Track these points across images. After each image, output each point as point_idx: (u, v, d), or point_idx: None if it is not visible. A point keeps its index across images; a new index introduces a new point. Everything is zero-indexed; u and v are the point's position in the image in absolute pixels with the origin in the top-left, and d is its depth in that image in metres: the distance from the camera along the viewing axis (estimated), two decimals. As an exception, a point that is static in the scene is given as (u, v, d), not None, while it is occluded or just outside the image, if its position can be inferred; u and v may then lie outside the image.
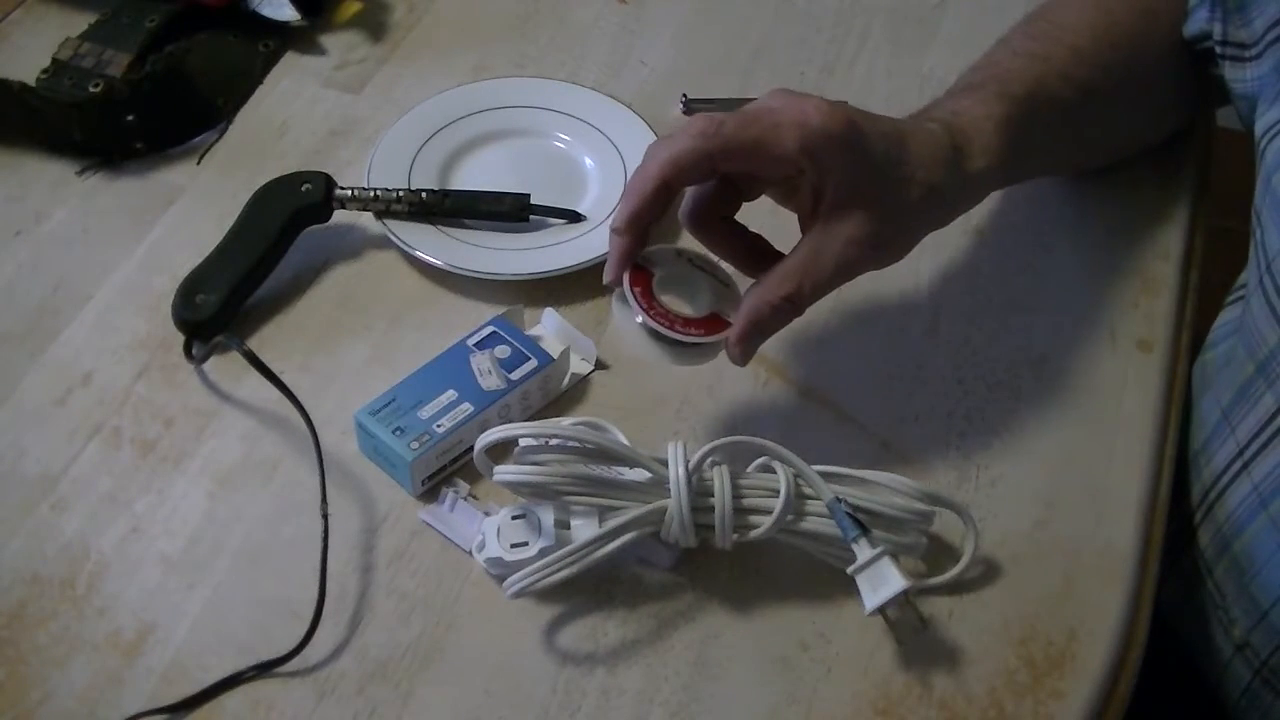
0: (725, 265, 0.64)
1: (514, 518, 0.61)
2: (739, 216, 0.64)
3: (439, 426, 0.64)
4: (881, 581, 0.58)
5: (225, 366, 0.70)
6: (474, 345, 0.68)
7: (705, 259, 0.64)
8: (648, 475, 0.59)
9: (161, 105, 0.81)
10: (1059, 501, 0.65)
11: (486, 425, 0.63)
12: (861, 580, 0.58)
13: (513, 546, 0.60)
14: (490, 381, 0.66)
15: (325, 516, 0.61)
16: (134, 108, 0.80)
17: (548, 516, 0.60)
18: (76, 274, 0.75)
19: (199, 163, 0.82)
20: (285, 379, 0.65)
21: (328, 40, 0.90)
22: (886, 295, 0.74)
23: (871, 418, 0.68)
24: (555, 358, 0.67)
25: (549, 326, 0.71)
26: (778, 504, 0.58)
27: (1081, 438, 0.68)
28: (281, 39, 0.89)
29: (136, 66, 0.83)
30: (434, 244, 0.75)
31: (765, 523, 0.59)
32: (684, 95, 0.85)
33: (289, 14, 0.87)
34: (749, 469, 0.61)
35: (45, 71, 0.83)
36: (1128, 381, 0.70)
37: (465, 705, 0.58)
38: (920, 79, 0.87)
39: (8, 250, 0.76)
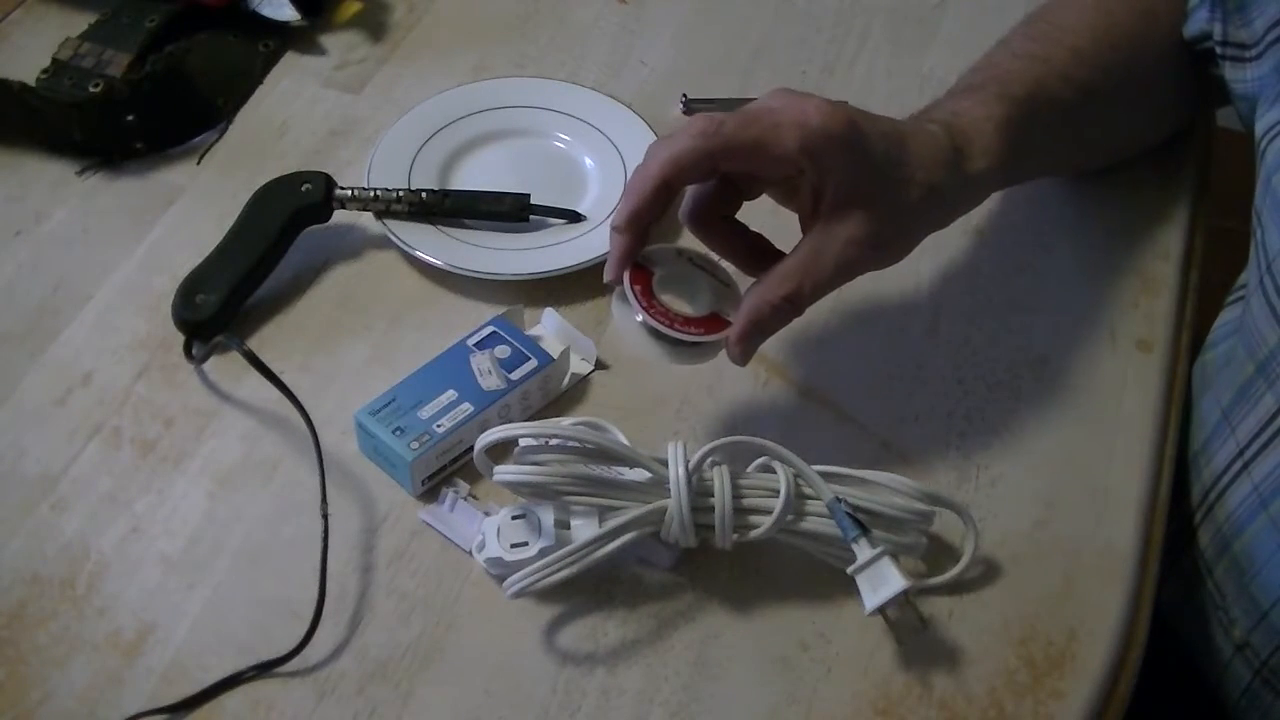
0: (725, 264, 0.64)
1: (514, 518, 0.61)
2: (739, 215, 0.64)
3: (439, 426, 0.64)
4: (881, 581, 0.58)
5: (225, 366, 0.70)
6: (474, 345, 0.68)
7: (706, 258, 0.64)
8: (648, 475, 0.59)
9: (161, 105, 0.81)
10: (1059, 501, 0.65)
11: (486, 425, 0.63)
12: (861, 580, 0.58)
13: (513, 546, 0.60)
14: (490, 381, 0.66)
15: (325, 516, 0.61)
16: (134, 108, 0.80)
17: (548, 516, 0.60)
18: (76, 274, 0.75)
19: (199, 163, 0.82)
20: (285, 379, 0.65)
21: (328, 40, 0.90)
22: (886, 295, 0.74)
23: (871, 418, 0.68)
24: (555, 358, 0.67)
25: (549, 326, 0.71)
26: (778, 504, 0.58)
27: (1081, 438, 0.68)
28: (281, 39, 0.89)
29: (136, 66, 0.83)
30: (434, 244, 0.75)
31: (765, 523, 0.59)
32: (684, 95, 0.85)
33: (289, 14, 0.87)
34: (749, 469, 0.61)
35: (45, 71, 0.83)
36: (1128, 381, 0.70)
37: (465, 705, 0.58)
38: (920, 79, 0.87)
39: (8, 250, 0.76)
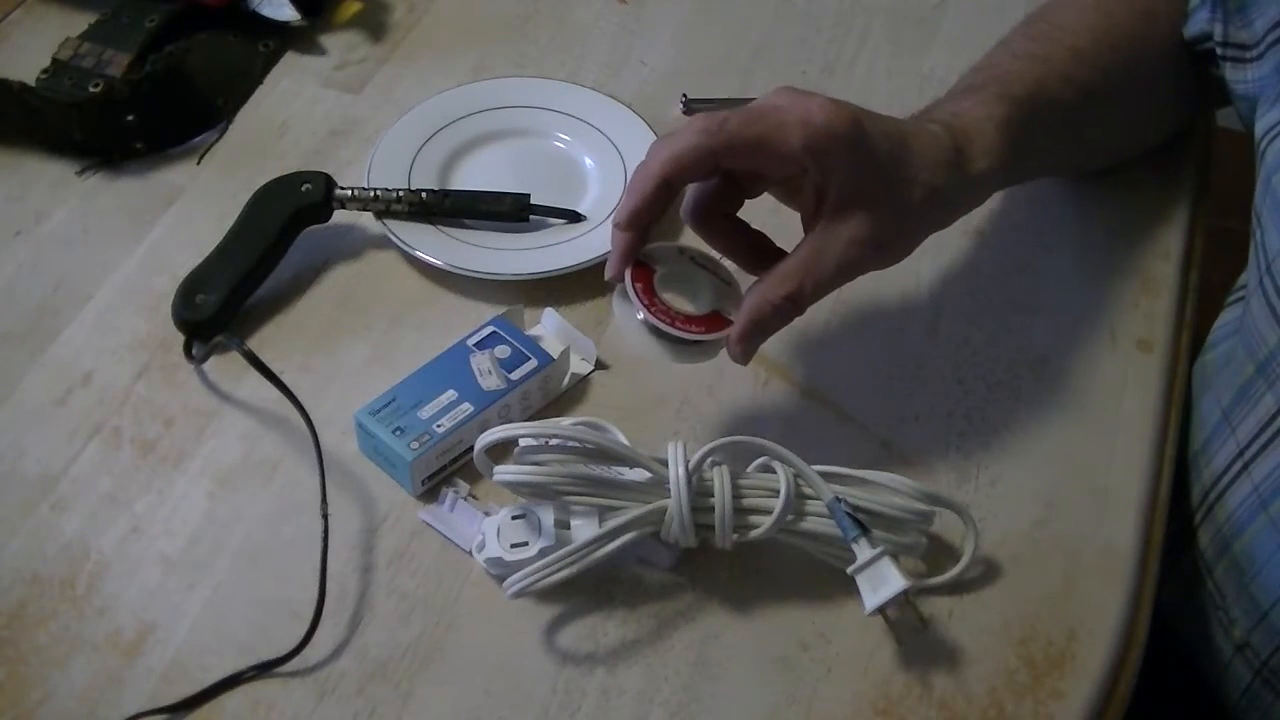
0: (727, 263, 0.64)
1: (514, 518, 0.61)
2: (741, 214, 0.64)
3: (439, 426, 0.64)
4: (881, 581, 0.58)
5: (225, 366, 0.70)
6: (474, 345, 0.68)
7: (707, 257, 0.64)
8: (648, 475, 0.59)
9: (161, 105, 0.81)
10: (1059, 501, 0.65)
11: (486, 425, 0.63)
12: (861, 580, 0.58)
13: (513, 546, 0.60)
14: (490, 381, 0.66)
15: (325, 516, 0.61)
16: (134, 108, 0.80)
17: (548, 516, 0.60)
18: (76, 274, 0.75)
19: (199, 163, 0.82)
20: (285, 379, 0.65)
21: (328, 40, 0.90)
22: (887, 295, 0.74)
23: (871, 418, 0.68)
24: (555, 358, 0.67)
25: (549, 326, 0.71)
26: (778, 504, 0.58)
27: (1081, 438, 0.68)
28: (281, 39, 0.89)
29: (136, 66, 0.83)
30: (434, 244, 0.75)
31: (765, 523, 0.59)
32: (684, 95, 0.85)
33: (289, 14, 0.87)
34: (749, 469, 0.61)
35: (45, 71, 0.83)
36: (1128, 381, 0.70)
37: (465, 705, 0.58)
38: (920, 79, 0.87)
39: (8, 250, 0.76)
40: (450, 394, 0.65)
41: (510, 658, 0.60)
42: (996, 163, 0.64)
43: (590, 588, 0.61)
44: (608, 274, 0.62)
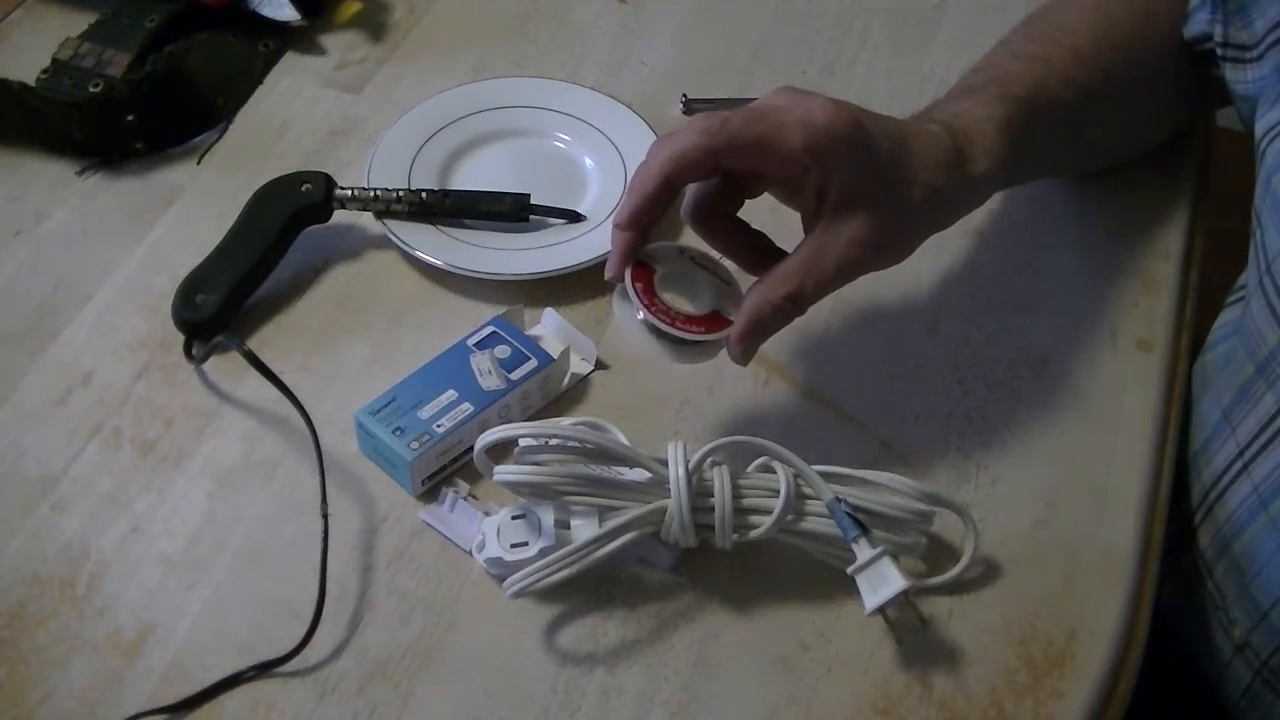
0: (727, 263, 0.64)
1: (514, 518, 0.61)
2: (741, 214, 0.64)
3: (439, 426, 0.64)
4: (881, 581, 0.58)
5: (225, 366, 0.70)
6: (474, 345, 0.68)
7: (707, 257, 0.64)
8: (648, 475, 0.59)
9: (161, 105, 0.81)
10: (1059, 501, 0.65)
11: (486, 425, 0.63)
12: (861, 580, 0.58)
13: (513, 546, 0.60)
14: (490, 381, 0.66)
15: (325, 516, 0.61)
16: (134, 108, 0.80)
17: (548, 516, 0.60)
18: (76, 274, 0.75)
19: (199, 163, 0.82)
20: (285, 379, 0.65)
21: (328, 40, 0.90)
22: (887, 295, 0.74)
23: (871, 418, 0.68)
24: (555, 358, 0.67)
25: (549, 326, 0.71)
26: (778, 504, 0.58)
27: (1081, 438, 0.68)
28: (281, 39, 0.89)
29: (136, 66, 0.83)
30: (434, 244, 0.75)
31: (765, 523, 0.59)
32: (684, 95, 0.85)
33: (289, 14, 0.87)
34: (749, 469, 0.61)
35: (45, 71, 0.83)
36: (1128, 381, 0.70)
37: (465, 705, 0.58)
38: (920, 79, 0.87)
39: (8, 250, 0.76)
40: (450, 394, 0.65)
41: (510, 658, 0.60)
42: (997, 163, 0.64)
43: (590, 588, 0.61)
44: (608, 274, 0.62)
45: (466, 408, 0.65)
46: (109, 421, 0.68)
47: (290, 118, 0.85)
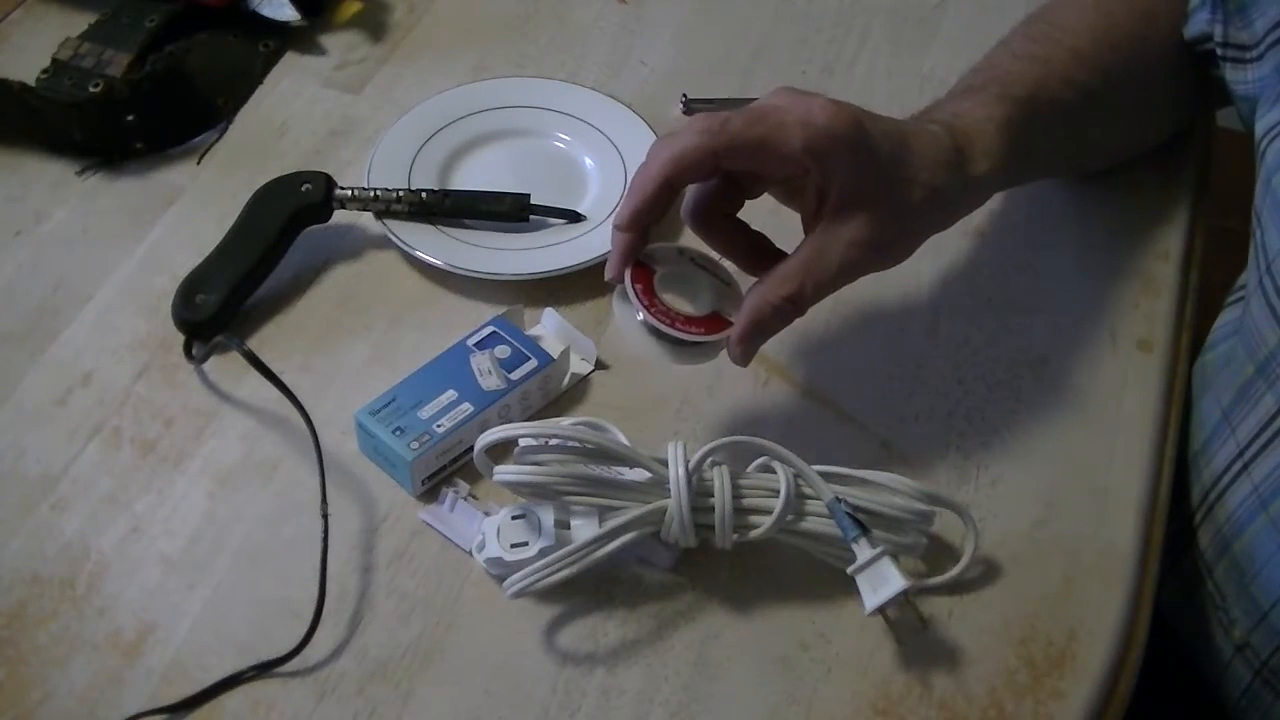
0: (727, 264, 0.64)
1: (514, 518, 0.61)
2: (741, 215, 0.64)
3: (439, 426, 0.64)
4: (881, 581, 0.58)
5: (225, 366, 0.70)
6: (474, 345, 0.68)
7: (707, 258, 0.64)
8: (648, 475, 0.59)
9: (161, 105, 0.81)
10: (1059, 501, 0.65)
11: (486, 425, 0.63)
12: (861, 580, 0.58)
13: (513, 546, 0.60)
14: (490, 381, 0.66)
15: (325, 516, 0.61)
16: (134, 108, 0.80)
17: (548, 516, 0.60)
18: (76, 274, 0.75)
19: (199, 163, 0.82)
20: (285, 379, 0.65)
21: (328, 40, 0.90)
22: (887, 295, 0.74)
23: (871, 418, 0.68)
24: (555, 358, 0.67)
25: (549, 326, 0.71)
26: (778, 504, 0.58)
27: (1081, 438, 0.68)
28: (281, 39, 0.89)
29: (136, 66, 0.83)
30: (434, 244, 0.75)
31: (765, 523, 0.59)
32: (684, 95, 0.85)
33: (289, 14, 0.87)
34: (749, 469, 0.61)
35: (45, 71, 0.83)
36: (1128, 381, 0.70)
37: (465, 705, 0.58)
38: (920, 79, 0.87)
39: (8, 250, 0.76)
40: (450, 394, 0.65)
41: (510, 658, 0.60)
42: (997, 164, 0.64)
43: (590, 588, 0.61)
44: (608, 275, 0.62)
45: (466, 408, 0.65)
46: (109, 421, 0.68)
47: (290, 118, 0.85)
